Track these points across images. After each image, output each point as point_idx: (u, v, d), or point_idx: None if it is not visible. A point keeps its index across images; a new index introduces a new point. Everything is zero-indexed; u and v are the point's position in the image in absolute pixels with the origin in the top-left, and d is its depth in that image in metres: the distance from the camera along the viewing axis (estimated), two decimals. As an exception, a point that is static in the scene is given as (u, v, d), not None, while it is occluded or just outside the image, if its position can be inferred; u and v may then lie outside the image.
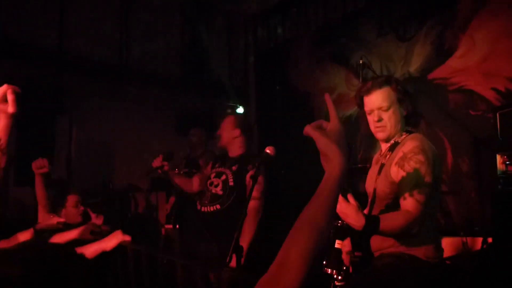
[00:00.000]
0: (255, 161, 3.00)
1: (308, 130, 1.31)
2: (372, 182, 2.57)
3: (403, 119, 2.52)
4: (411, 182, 2.28)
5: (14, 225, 3.21)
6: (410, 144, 2.39)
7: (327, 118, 1.37)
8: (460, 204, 4.45)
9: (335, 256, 2.55)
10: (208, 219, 3.60)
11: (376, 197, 2.52)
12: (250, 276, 1.80)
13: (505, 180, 3.34)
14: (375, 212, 2.53)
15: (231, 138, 3.85)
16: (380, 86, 2.50)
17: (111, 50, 6.10)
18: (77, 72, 5.79)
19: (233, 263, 2.34)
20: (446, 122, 4.62)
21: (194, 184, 3.92)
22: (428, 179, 2.28)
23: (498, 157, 3.37)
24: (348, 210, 2.16)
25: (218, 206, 3.65)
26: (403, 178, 2.33)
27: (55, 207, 3.57)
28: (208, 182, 3.82)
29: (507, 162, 3.30)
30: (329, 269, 2.41)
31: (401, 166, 2.34)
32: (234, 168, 3.75)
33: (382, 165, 2.51)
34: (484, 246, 3.54)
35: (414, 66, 5.01)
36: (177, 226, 5.29)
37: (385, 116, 2.49)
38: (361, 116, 2.65)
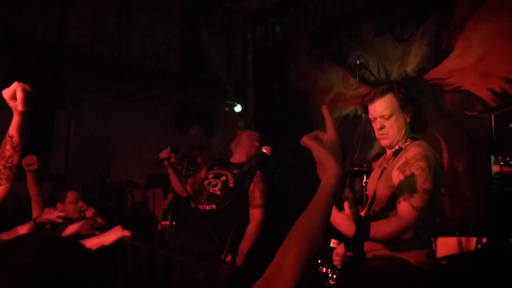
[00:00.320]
0: (252, 161, 3.03)
1: (306, 140, 1.34)
2: (373, 185, 2.60)
3: (407, 125, 2.54)
4: (409, 187, 2.30)
5: (13, 218, 3.23)
6: (413, 150, 2.41)
7: (323, 118, 1.40)
8: (456, 204, 4.47)
9: (330, 255, 2.58)
10: (203, 217, 3.58)
11: (376, 199, 2.55)
12: (248, 274, 1.83)
13: (499, 180, 3.36)
14: (372, 214, 2.56)
15: (251, 152, 3.90)
16: (381, 94, 2.52)
17: (111, 46, 6.11)
18: (77, 68, 5.79)
19: (229, 261, 2.37)
20: (443, 122, 4.64)
21: (187, 190, 3.95)
22: (427, 186, 2.29)
23: (492, 157, 3.40)
24: (339, 219, 2.21)
25: (214, 206, 3.65)
26: (401, 182, 2.36)
27: (53, 202, 3.58)
28: (206, 182, 3.83)
29: (502, 163, 3.33)
30: (324, 268, 2.45)
31: (402, 171, 2.36)
32: (235, 171, 3.77)
33: (384, 169, 2.55)
34: (479, 246, 3.57)
35: (411, 66, 5.03)
36: (174, 223, 5.31)
37: (387, 124, 2.51)
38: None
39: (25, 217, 3.20)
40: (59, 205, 3.56)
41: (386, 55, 5.31)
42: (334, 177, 1.23)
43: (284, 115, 6.61)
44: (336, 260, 2.56)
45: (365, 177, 3.86)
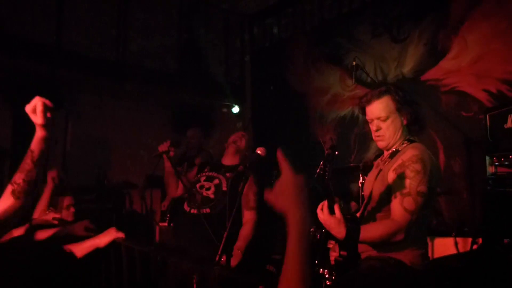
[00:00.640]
0: (246, 162, 3.03)
1: (267, 197, 1.30)
2: (370, 185, 2.63)
3: (403, 128, 2.56)
4: (402, 189, 2.33)
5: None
6: (409, 152, 2.44)
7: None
8: (452, 205, 4.47)
9: (327, 256, 2.59)
10: (197, 221, 3.54)
11: (371, 200, 2.57)
12: (240, 275, 1.83)
13: (494, 181, 3.36)
14: (367, 214, 2.58)
15: (234, 148, 3.88)
16: (378, 96, 2.55)
17: (108, 47, 6.12)
18: (74, 68, 5.79)
19: (223, 263, 2.37)
20: (439, 123, 4.64)
21: (179, 190, 3.93)
22: (422, 188, 2.31)
23: (487, 158, 3.40)
24: (330, 222, 2.23)
25: (208, 210, 3.63)
26: (396, 184, 2.38)
27: (49, 205, 3.59)
28: (198, 185, 3.80)
29: (496, 164, 3.33)
30: (321, 269, 2.46)
31: (397, 173, 2.39)
32: (228, 175, 3.75)
33: (380, 171, 2.56)
34: (474, 247, 3.57)
35: (408, 67, 5.02)
36: (172, 224, 5.31)
37: (384, 125, 2.54)
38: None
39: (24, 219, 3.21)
40: (51, 209, 3.57)
41: (383, 56, 5.31)
42: (297, 226, 1.18)
43: (281, 116, 6.61)
44: (332, 260, 2.58)
45: (361, 177, 3.87)
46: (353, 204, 4.62)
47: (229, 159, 3.92)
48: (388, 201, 2.41)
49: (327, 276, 2.36)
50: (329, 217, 2.22)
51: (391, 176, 2.45)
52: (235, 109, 7.32)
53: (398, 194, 2.34)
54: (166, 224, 5.42)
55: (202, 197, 3.70)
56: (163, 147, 3.71)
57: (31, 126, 1.91)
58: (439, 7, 4.80)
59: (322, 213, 2.25)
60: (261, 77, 7.26)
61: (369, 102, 2.58)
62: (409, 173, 2.35)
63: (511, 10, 4.20)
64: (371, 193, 2.59)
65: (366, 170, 3.12)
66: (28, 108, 1.86)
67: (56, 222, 3.17)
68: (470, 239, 3.64)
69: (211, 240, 3.20)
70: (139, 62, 6.29)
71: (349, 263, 2.30)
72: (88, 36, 5.89)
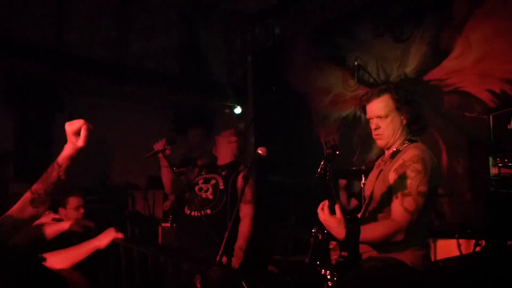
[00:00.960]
0: (247, 162, 3.02)
1: None
2: (371, 186, 2.62)
3: (403, 127, 2.55)
4: (403, 189, 2.31)
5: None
6: (410, 152, 2.42)
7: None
8: (455, 206, 4.44)
9: (329, 257, 2.58)
10: (198, 223, 3.55)
11: (373, 200, 2.56)
12: (238, 275, 1.82)
13: (497, 182, 3.34)
14: (368, 215, 2.56)
15: (226, 143, 3.88)
16: (378, 95, 2.54)
17: (109, 48, 6.11)
18: (76, 70, 5.80)
19: (224, 263, 2.35)
20: (442, 123, 4.60)
21: (175, 188, 3.92)
22: (422, 188, 2.30)
23: (490, 159, 3.37)
24: (331, 223, 2.22)
25: (208, 211, 3.63)
26: (396, 184, 2.37)
27: (54, 205, 3.58)
28: (196, 188, 3.80)
29: (500, 164, 3.30)
30: (323, 270, 2.44)
31: (398, 173, 2.38)
32: (223, 173, 3.75)
33: (381, 171, 2.55)
34: (477, 249, 3.54)
35: (410, 67, 4.99)
36: (174, 225, 5.30)
37: (383, 124, 2.53)
38: None
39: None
40: (61, 210, 3.56)
41: (385, 56, 5.28)
42: None
43: (283, 116, 6.59)
44: (333, 260, 2.56)
45: (363, 178, 3.85)
46: (353, 201, 4.61)
47: (222, 159, 3.92)
48: (389, 202, 2.40)
49: (328, 276, 2.35)
50: (330, 217, 2.21)
51: (392, 176, 2.44)
52: (237, 110, 7.30)
53: (398, 194, 2.32)
54: (168, 224, 5.41)
55: (201, 199, 3.69)
56: (158, 146, 3.66)
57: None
58: (441, 6, 4.77)
59: (323, 213, 2.24)
60: (263, 77, 7.24)
61: (369, 100, 2.58)
62: (409, 173, 2.33)
63: (515, 9, 4.18)
64: (372, 193, 2.58)
65: (368, 172, 3.11)
66: (69, 128, 1.91)
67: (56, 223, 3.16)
68: (473, 241, 3.61)
69: (214, 241, 3.18)
70: (140, 63, 6.29)
71: (350, 264, 2.29)
72: (89, 37, 5.88)
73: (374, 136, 2.62)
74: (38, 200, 1.88)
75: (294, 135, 6.34)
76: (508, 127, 3.33)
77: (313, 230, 2.65)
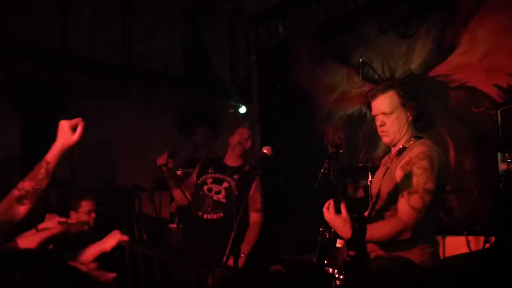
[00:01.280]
0: (252, 161, 3.01)
1: None
2: (378, 184, 2.59)
3: (409, 124, 2.53)
4: (409, 187, 2.29)
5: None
6: (417, 149, 2.40)
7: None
8: (463, 202, 4.41)
9: (337, 255, 2.57)
10: (212, 226, 3.60)
11: (379, 198, 2.54)
12: (244, 276, 1.80)
13: (506, 178, 3.30)
14: (375, 214, 2.54)
15: (237, 142, 3.85)
16: (383, 91, 2.52)
17: (113, 50, 6.11)
18: (79, 72, 5.80)
19: (230, 264, 2.34)
20: (448, 119, 4.55)
21: (187, 197, 3.90)
22: (429, 185, 2.27)
23: (499, 155, 3.33)
24: (336, 222, 2.20)
25: (221, 214, 3.65)
26: (403, 181, 2.35)
27: (64, 208, 3.57)
28: (205, 187, 3.80)
29: (508, 160, 3.26)
30: (331, 269, 2.42)
31: (405, 170, 2.36)
32: (235, 176, 3.74)
33: (388, 168, 2.53)
34: (486, 246, 3.51)
35: (416, 63, 4.95)
36: (181, 226, 5.30)
37: (388, 121, 2.51)
38: None
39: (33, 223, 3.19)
40: (72, 213, 3.55)
41: (390, 52, 5.24)
42: None
43: (288, 115, 6.57)
44: (341, 259, 2.55)
45: (370, 176, 3.82)
46: (360, 191, 4.58)
47: (233, 160, 3.89)
48: (397, 200, 2.37)
49: (336, 276, 2.33)
50: (335, 217, 2.19)
51: (398, 174, 2.41)
52: (242, 109, 7.28)
53: (405, 192, 2.30)
54: (175, 225, 5.42)
55: (213, 201, 3.71)
56: (161, 160, 3.72)
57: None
58: (446, 1, 4.74)
59: (328, 212, 2.22)
60: (267, 77, 7.23)
61: (374, 97, 2.55)
62: (416, 170, 2.30)
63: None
64: (379, 191, 2.55)
65: (374, 169, 3.08)
66: (66, 124, 1.99)
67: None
68: (482, 238, 3.58)
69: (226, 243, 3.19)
70: (144, 64, 6.28)
71: (357, 263, 2.26)
72: (92, 39, 5.89)
73: (379, 133, 2.61)
74: (25, 196, 1.92)
75: (299, 134, 6.32)
76: (517, 122, 3.30)
77: (320, 229, 2.63)
